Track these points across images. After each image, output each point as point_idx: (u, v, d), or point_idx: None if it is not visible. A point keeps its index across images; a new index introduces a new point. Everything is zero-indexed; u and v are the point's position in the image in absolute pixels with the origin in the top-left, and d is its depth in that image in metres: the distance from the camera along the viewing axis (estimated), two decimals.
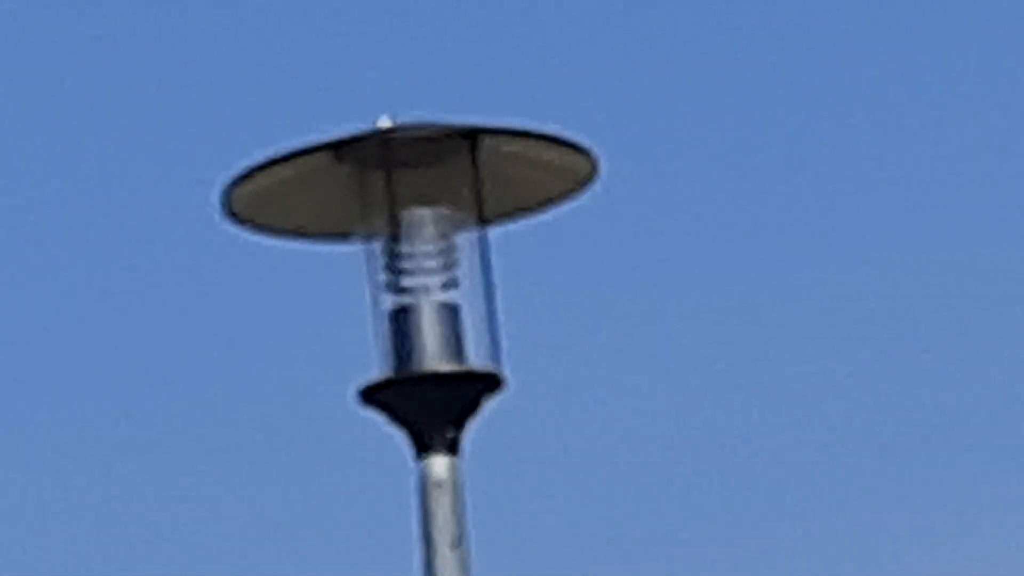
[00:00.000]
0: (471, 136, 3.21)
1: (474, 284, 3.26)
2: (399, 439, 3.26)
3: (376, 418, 3.27)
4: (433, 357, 3.17)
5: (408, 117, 3.24)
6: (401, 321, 3.20)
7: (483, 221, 3.27)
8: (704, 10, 9.20)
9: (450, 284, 3.24)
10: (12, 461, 8.40)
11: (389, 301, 3.23)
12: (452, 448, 3.25)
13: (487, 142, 3.22)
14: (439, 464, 3.24)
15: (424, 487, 3.22)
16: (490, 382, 3.25)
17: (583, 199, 3.34)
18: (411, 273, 3.21)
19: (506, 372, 3.26)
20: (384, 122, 3.17)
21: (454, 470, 3.25)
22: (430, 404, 3.20)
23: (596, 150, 3.28)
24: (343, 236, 3.34)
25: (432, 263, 3.22)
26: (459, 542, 3.22)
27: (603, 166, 3.28)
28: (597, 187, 3.30)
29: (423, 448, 3.22)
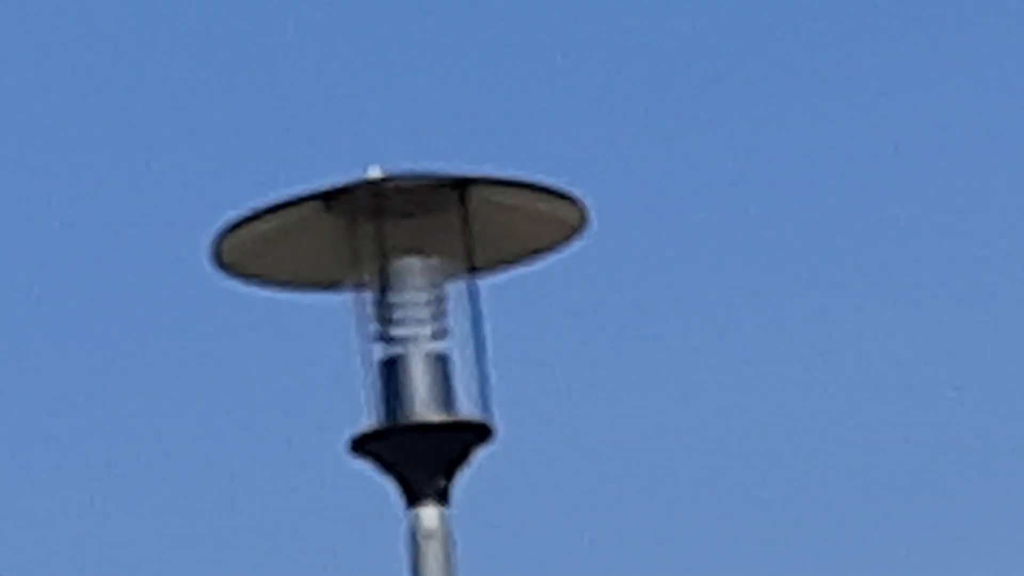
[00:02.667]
0: (461, 186, 3.18)
1: (464, 334, 3.22)
2: (390, 489, 3.21)
3: (366, 468, 3.22)
4: (423, 407, 3.13)
5: (397, 167, 3.21)
6: (391, 371, 3.17)
7: (473, 270, 3.24)
8: (689, 61, 9.22)
9: (440, 334, 3.20)
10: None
11: (379, 351, 3.20)
12: (442, 498, 3.21)
13: (477, 192, 3.19)
14: (429, 514, 3.20)
15: (414, 537, 3.18)
16: (480, 432, 3.21)
17: (573, 249, 3.30)
18: (401, 323, 3.18)
19: (496, 422, 3.22)
20: (374, 172, 3.14)
21: (444, 520, 3.21)
22: (420, 454, 3.17)
23: (586, 200, 3.25)
24: (333, 286, 3.31)
25: (422, 313, 3.19)
26: None
27: (593, 216, 3.25)
28: (587, 237, 3.27)
29: (413, 498, 3.18)
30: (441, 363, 3.21)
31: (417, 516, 3.21)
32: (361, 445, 3.21)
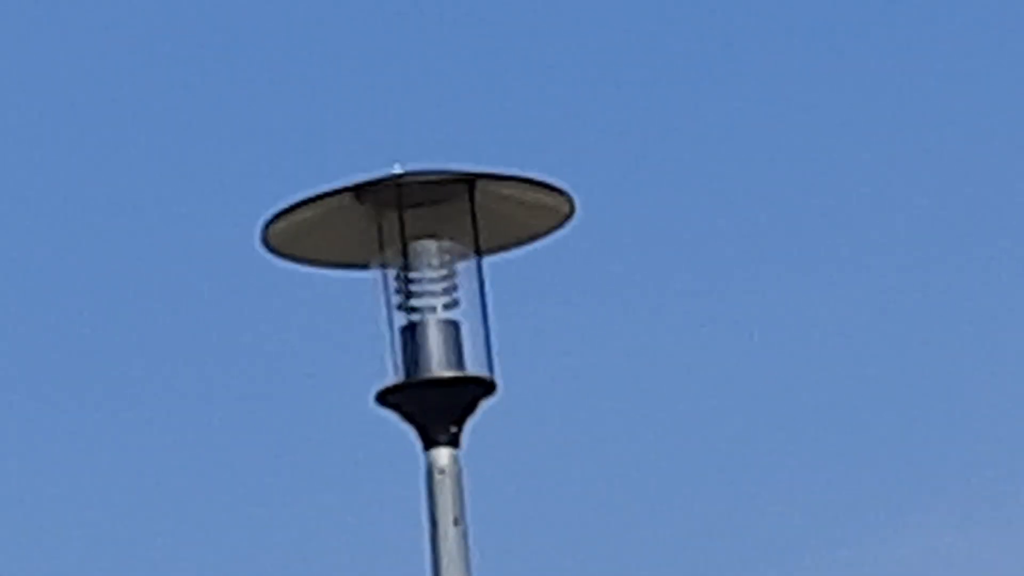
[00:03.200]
0: (469, 181, 3.71)
1: (472, 304, 3.77)
2: (409, 435, 3.76)
3: (390, 417, 3.77)
4: (437, 365, 3.67)
5: (416, 164, 3.74)
6: (410, 335, 3.70)
7: (479, 252, 3.77)
8: (657, 77, 10.09)
9: (451, 304, 3.73)
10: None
11: (400, 319, 3.73)
12: (453, 442, 3.75)
13: (482, 186, 3.72)
14: (442, 455, 3.73)
15: (430, 475, 3.71)
16: (485, 386, 3.74)
17: (563, 233, 3.85)
18: (419, 296, 3.71)
19: (498, 378, 3.76)
20: (396, 169, 3.67)
21: (455, 460, 3.75)
22: (435, 405, 3.71)
23: (573, 192, 3.80)
24: (363, 266, 3.83)
25: (436, 287, 3.72)
26: (459, 520, 3.72)
27: (579, 206, 3.80)
28: (574, 223, 3.82)
29: (429, 442, 3.72)
30: (452, 329, 3.74)
31: (432, 457, 3.74)
32: (385, 397, 3.73)
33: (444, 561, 3.67)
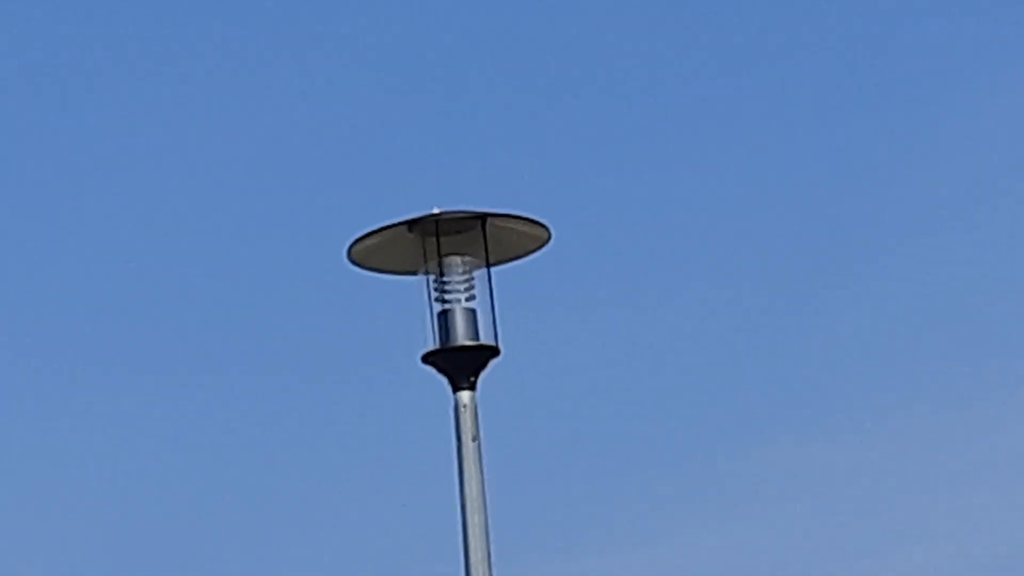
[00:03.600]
0: (482, 217, 5.69)
1: (483, 298, 5.75)
2: (443, 383, 5.75)
3: (431, 371, 5.77)
4: (461, 337, 5.65)
5: (447, 206, 5.75)
6: (443, 318, 5.68)
7: (488, 264, 5.77)
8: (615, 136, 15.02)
9: (470, 298, 5.70)
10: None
11: (437, 307, 5.72)
12: (471, 387, 5.71)
13: (490, 221, 5.71)
14: (464, 396, 5.70)
15: (456, 409, 5.68)
16: (492, 351, 5.73)
17: (543, 252, 5.88)
18: (449, 292, 5.68)
19: (501, 345, 5.77)
20: (435, 210, 5.68)
21: (472, 399, 5.71)
22: (459, 363, 5.68)
23: (550, 225, 5.81)
24: (412, 273, 5.81)
25: (460, 287, 5.71)
26: (476, 437, 5.71)
27: (554, 234, 5.82)
28: (550, 247, 5.85)
29: (456, 387, 5.68)
30: (471, 314, 5.71)
31: (458, 397, 5.73)
32: (427, 358, 5.67)
33: (466, 463, 5.65)
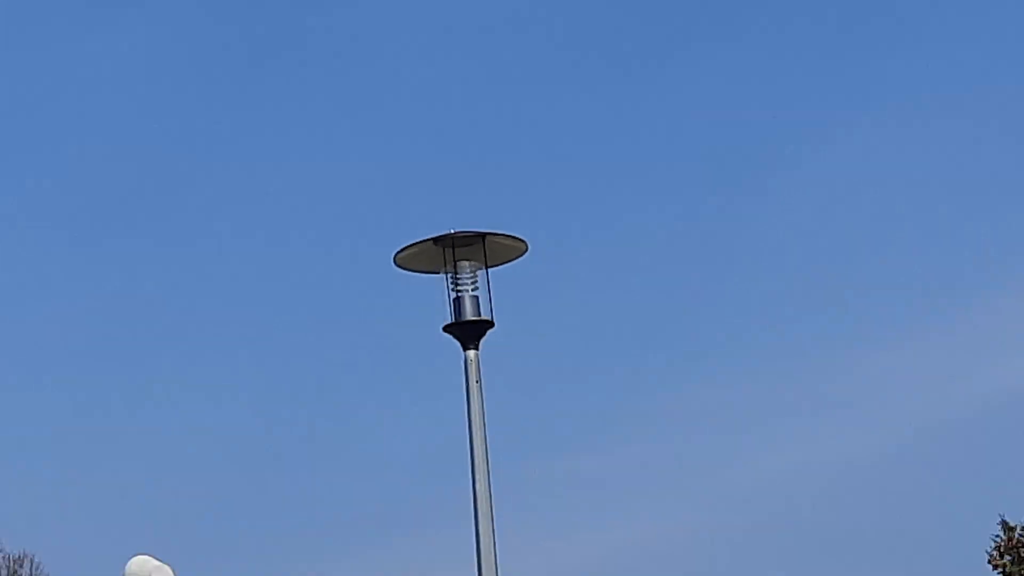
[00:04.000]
0: (483, 235, 8.61)
1: (483, 289, 8.66)
2: (457, 344, 8.71)
3: (449, 337, 8.72)
4: (468, 314, 8.60)
5: (460, 227, 8.72)
6: (457, 302, 8.62)
7: (487, 266, 8.70)
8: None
9: (475, 289, 8.62)
10: None
11: (452, 294, 8.67)
12: (476, 347, 8.64)
13: (488, 238, 8.67)
14: (471, 354, 8.61)
15: (466, 362, 8.61)
16: (489, 324, 8.65)
17: (523, 259, 8.85)
18: (460, 285, 8.59)
19: (495, 320, 8.73)
20: (451, 230, 8.65)
21: (476, 356, 8.62)
22: (468, 331, 8.60)
23: (527, 239, 8.78)
24: (436, 272, 8.74)
25: (468, 281, 8.63)
26: (478, 380, 8.63)
27: (530, 246, 8.80)
28: (529, 256, 8.83)
29: (465, 347, 8.60)
30: (475, 299, 8.59)
31: (467, 354, 8.66)
32: (446, 328, 8.59)
33: (472, 398, 8.57)
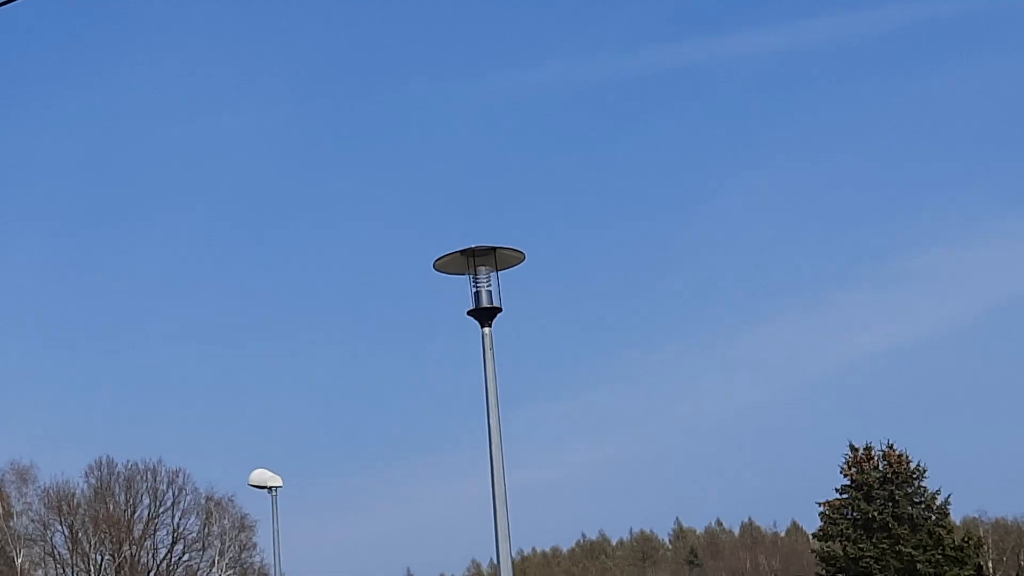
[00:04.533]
0: (494, 248, 11.27)
1: (495, 285, 11.43)
2: (476, 323, 11.18)
3: (471, 319, 11.21)
4: (484, 302, 11.30)
5: (478, 242, 11.11)
6: (476, 295, 11.47)
7: (497, 270, 11.29)
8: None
9: (489, 285, 11.40)
10: None
11: (473, 289, 11.20)
12: (489, 325, 11.50)
13: (498, 250, 11.23)
14: (486, 330, 11.59)
15: (483, 336, 11.44)
16: (498, 310, 11.50)
17: (522, 265, 11.24)
18: (479, 283, 11.48)
19: (502, 306, 11.15)
20: (473, 245, 11.07)
21: (490, 332, 11.53)
22: (484, 315, 11.38)
23: (525, 251, 11.20)
24: (463, 274, 11.37)
25: (484, 281, 11.34)
26: (491, 349, 11.13)
27: (528, 256, 11.19)
28: (527, 262, 11.21)
29: (483, 325, 11.43)
30: (488, 292, 11.56)
31: (483, 331, 11.34)
32: (470, 313, 11.58)
33: (487, 363, 11.12)
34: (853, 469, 51.73)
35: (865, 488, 50.80)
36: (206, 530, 76.79)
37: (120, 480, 76.43)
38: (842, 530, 50.67)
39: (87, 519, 75.00)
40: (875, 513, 50.02)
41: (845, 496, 51.27)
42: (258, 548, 79.17)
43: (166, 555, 76.15)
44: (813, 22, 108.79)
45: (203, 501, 77.59)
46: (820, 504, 51.74)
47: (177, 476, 76.19)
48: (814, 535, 54.21)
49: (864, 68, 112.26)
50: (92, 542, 74.41)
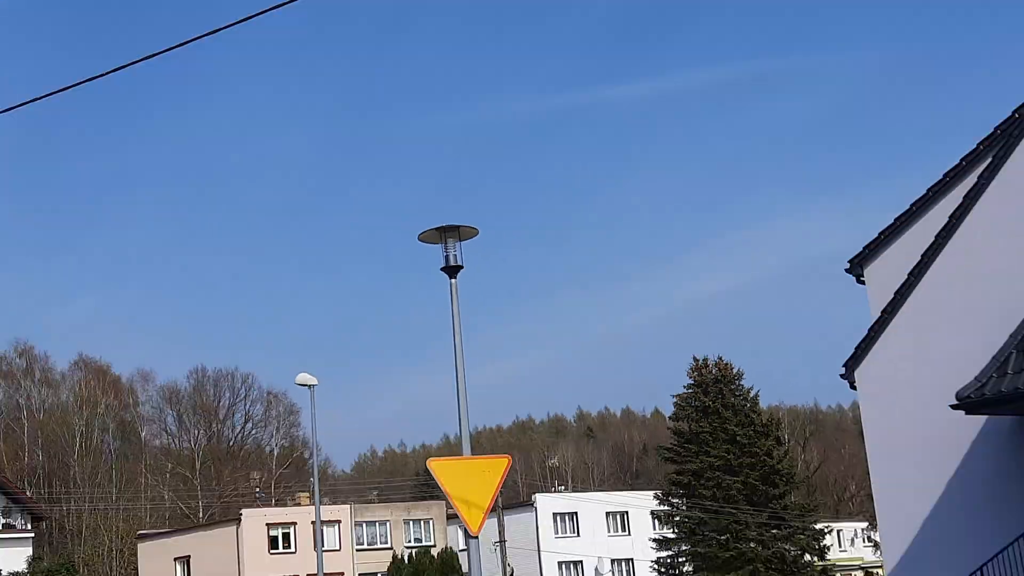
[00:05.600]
0: (457, 227, 13.26)
1: (457, 252, 13.54)
2: (447, 277, 12.81)
3: (444, 275, 12.87)
4: (451, 263, 13.46)
5: (447, 221, 12.62)
6: (446, 258, 13.61)
7: (460, 240, 13.55)
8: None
9: (455, 252, 13.19)
10: None
11: (444, 254, 13.10)
12: (455, 278, 13.35)
13: (462, 228, 13.07)
14: (453, 282, 14.44)
15: (450, 287, 12.98)
16: (460, 268, 13.72)
17: (477, 237, 12.88)
18: (448, 250, 13.68)
19: (464, 265, 12.76)
20: (443, 224, 12.52)
21: (456, 284, 13.54)
22: (451, 271, 14.17)
23: (479, 228, 12.68)
24: (436, 243, 13.18)
25: (451, 248, 13.36)
26: (456, 295, 12.57)
27: (480, 231, 12.68)
28: (479, 236, 12.75)
29: (451, 277, 13.74)
30: (456, 256, 13.62)
31: (451, 282, 13.27)
32: (443, 269, 13.19)
33: (453, 304, 12.58)
34: (696, 373, 55.29)
35: (703, 386, 54.84)
36: (266, 414, 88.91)
37: (210, 380, 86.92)
38: (688, 414, 55.01)
39: (188, 407, 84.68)
40: (710, 402, 54.58)
41: (690, 391, 54.79)
42: (301, 427, 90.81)
43: (239, 431, 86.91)
44: (669, 74, 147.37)
45: (264, 395, 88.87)
46: (674, 396, 55.46)
47: (247, 378, 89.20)
48: (670, 417, 58.15)
49: (705, 106, 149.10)
50: (191, 422, 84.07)
